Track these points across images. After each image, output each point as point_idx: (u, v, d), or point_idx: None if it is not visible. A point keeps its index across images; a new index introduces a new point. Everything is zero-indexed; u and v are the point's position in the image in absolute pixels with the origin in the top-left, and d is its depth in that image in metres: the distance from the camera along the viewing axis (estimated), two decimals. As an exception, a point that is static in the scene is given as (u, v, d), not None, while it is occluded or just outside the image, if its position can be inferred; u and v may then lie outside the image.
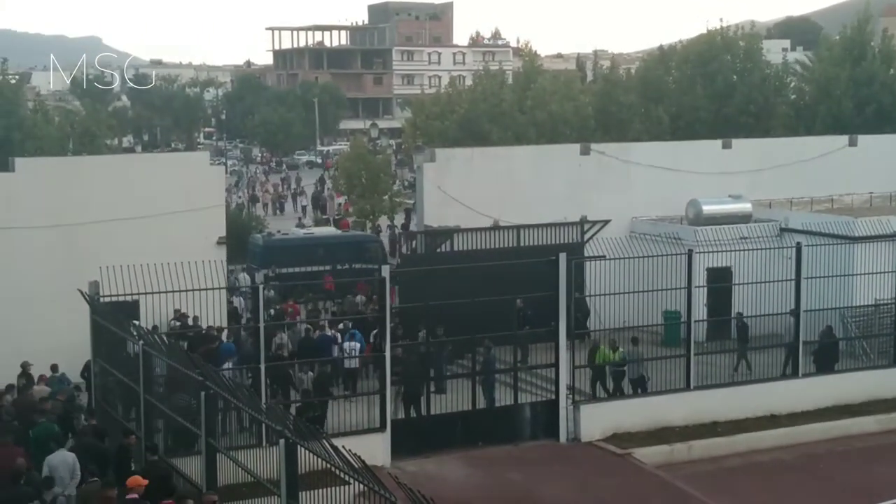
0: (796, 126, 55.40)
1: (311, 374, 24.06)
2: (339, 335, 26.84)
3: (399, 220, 54.81)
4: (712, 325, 27.82)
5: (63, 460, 17.16)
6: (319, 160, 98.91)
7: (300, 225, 54.55)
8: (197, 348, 24.15)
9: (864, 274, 27.58)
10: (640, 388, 25.39)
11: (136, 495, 15.24)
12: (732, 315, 27.87)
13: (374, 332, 25.25)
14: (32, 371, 23.32)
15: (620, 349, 25.06)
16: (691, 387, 25.30)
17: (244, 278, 37.76)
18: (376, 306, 25.33)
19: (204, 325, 24.63)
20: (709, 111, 56.47)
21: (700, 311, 26.35)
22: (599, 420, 24.37)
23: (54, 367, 23.58)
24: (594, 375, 25.37)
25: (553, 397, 24.34)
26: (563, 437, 24.18)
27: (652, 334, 27.23)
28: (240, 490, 14.77)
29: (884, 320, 28.44)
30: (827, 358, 27.17)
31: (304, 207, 65.34)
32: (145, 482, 15.39)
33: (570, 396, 24.33)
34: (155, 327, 23.93)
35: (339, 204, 62.63)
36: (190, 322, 25.36)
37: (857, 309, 28.63)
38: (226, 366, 23.46)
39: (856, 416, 25.96)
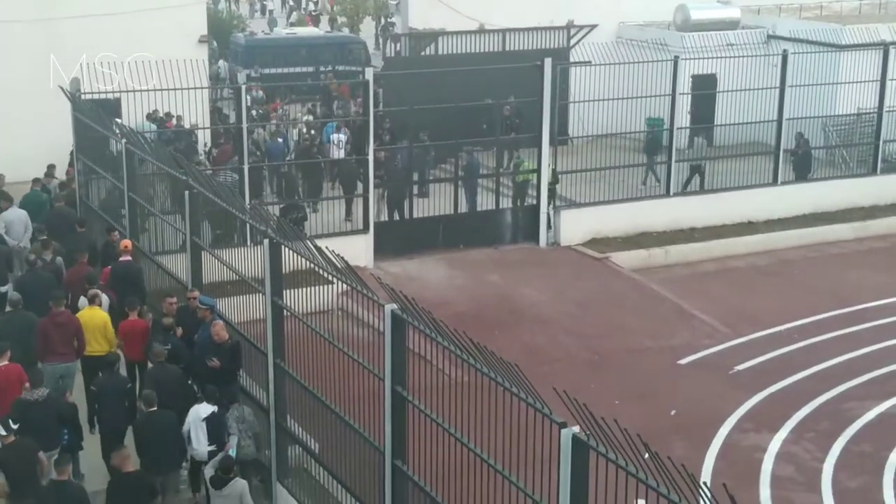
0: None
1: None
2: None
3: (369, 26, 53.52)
4: (695, 133, 27.90)
5: (17, 216, 19.41)
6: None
7: (271, 21, 53.74)
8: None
9: (849, 83, 27.54)
10: (700, 177, 26.30)
11: (129, 257, 16.71)
12: (715, 123, 27.86)
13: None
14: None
15: (553, 167, 24.75)
16: (671, 193, 25.59)
17: (223, 65, 37.55)
18: (360, 109, 25.32)
19: (186, 124, 24.63)
20: None
21: (683, 118, 26.41)
22: (579, 225, 24.70)
23: None
24: (516, 191, 25.06)
25: (534, 202, 24.62)
26: (542, 242, 24.55)
27: (634, 141, 27.31)
28: (225, 287, 15.05)
29: (865, 129, 28.55)
30: (804, 165, 27.46)
31: (270, 11, 63.32)
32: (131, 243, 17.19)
33: (551, 201, 24.58)
34: (179, 118, 24.47)
35: (317, 2, 61.43)
36: (174, 123, 25.26)
37: (840, 118, 28.72)
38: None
39: (832, 224, 26.43)
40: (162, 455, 12.43)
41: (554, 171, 24.61)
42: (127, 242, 17.20)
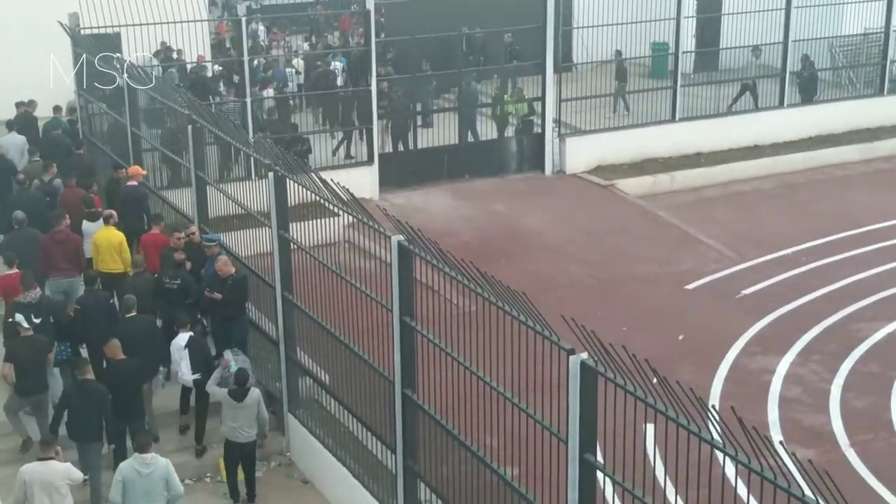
0: None
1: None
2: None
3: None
4: (700, 57, 27.67)
5: (13, 142, 19.73)
6: None
7: None
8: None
9: (856, 2, 27.22)
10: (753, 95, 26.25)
11: (135, 182, 16.97)
12: (722, 46, 27.57)
13: None
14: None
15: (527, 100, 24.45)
16: (676, 118, 25.44)
17: None
18: (361, 39, 25.08)
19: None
20: None
21: (688, 42, 26.16)
22: (584, 152, 24.58)
23: None
24: (498, 122, 24.82)
25: (539, 131, 24.48)
26: (548, 170, 24.47)
27: (639, 66, 27.08)
28: (231, 221, 15.05)
29: (872, 50, 28.29)
30: (810, 87, 27.24)
31: None
32: (143, 172, 17.45)
33: (556, 129, 24.46)
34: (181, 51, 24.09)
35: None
36: (174, 56, 25.05)
37: (846, 38, 28.43)
38: (266, 93, 23.98)
39: (838, 146, 26.29)
40: (142, 357, 12.64)
41: (531, 102, 24.38)
42: (137, 170, 17.36)
